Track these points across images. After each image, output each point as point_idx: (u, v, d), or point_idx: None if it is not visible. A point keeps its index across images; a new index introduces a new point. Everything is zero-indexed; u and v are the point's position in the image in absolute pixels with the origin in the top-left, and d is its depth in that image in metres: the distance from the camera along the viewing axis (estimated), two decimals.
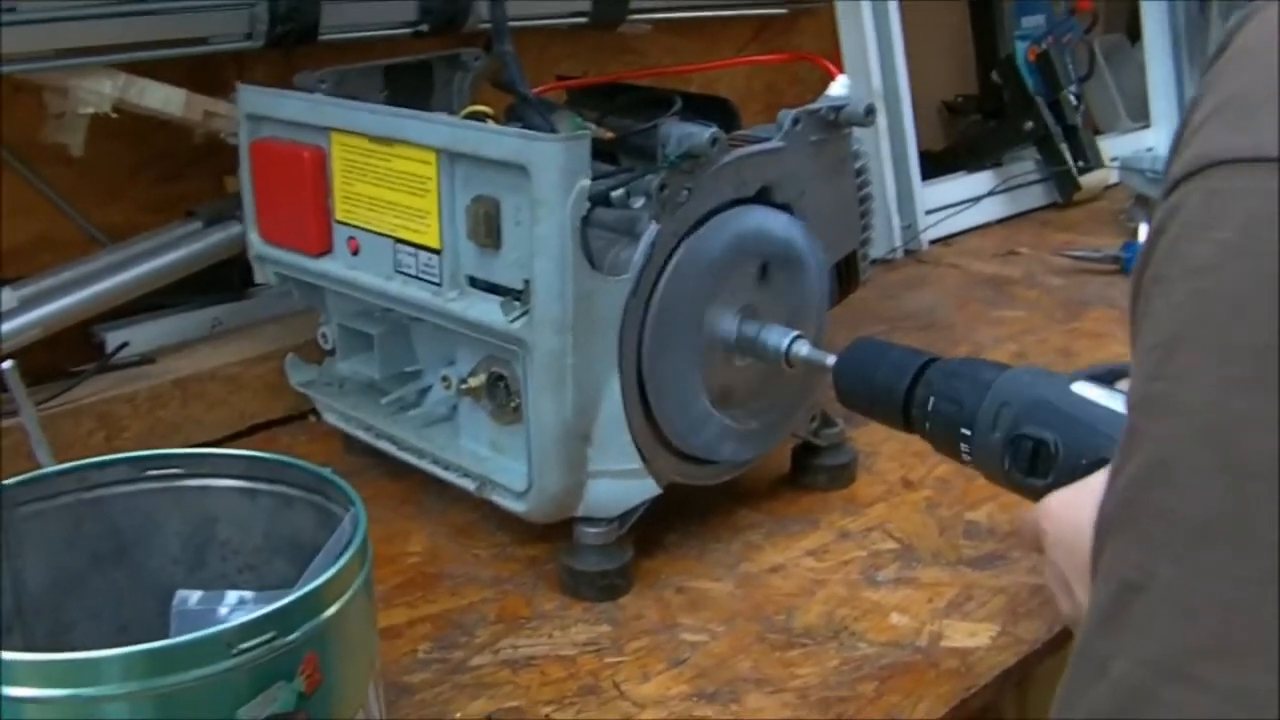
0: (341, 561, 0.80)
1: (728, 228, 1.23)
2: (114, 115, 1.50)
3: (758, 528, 1.36)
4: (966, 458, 1.07)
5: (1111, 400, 1.00)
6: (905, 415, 1.13)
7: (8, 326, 1.45)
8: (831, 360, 1.22)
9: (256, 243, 1.44)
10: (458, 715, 1.08)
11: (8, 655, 0.73)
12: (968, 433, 1.06)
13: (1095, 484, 0.91)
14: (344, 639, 0.81)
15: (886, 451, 1.50)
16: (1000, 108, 2.50)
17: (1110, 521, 0.60)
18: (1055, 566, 0.93)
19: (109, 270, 1.55)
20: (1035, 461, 1.00)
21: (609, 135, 1.36)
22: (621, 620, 1.21)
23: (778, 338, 1.26)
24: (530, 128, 1.28)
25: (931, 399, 1.10)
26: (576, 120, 1.40)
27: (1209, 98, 0.61)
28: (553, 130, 1.28)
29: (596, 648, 1.17)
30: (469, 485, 1.29)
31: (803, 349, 1.25)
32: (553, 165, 1.13)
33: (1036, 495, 0.98)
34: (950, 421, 1.08)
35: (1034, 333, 1.89)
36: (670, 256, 1.20)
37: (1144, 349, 0.60)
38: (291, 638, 0.76)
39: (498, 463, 1.27)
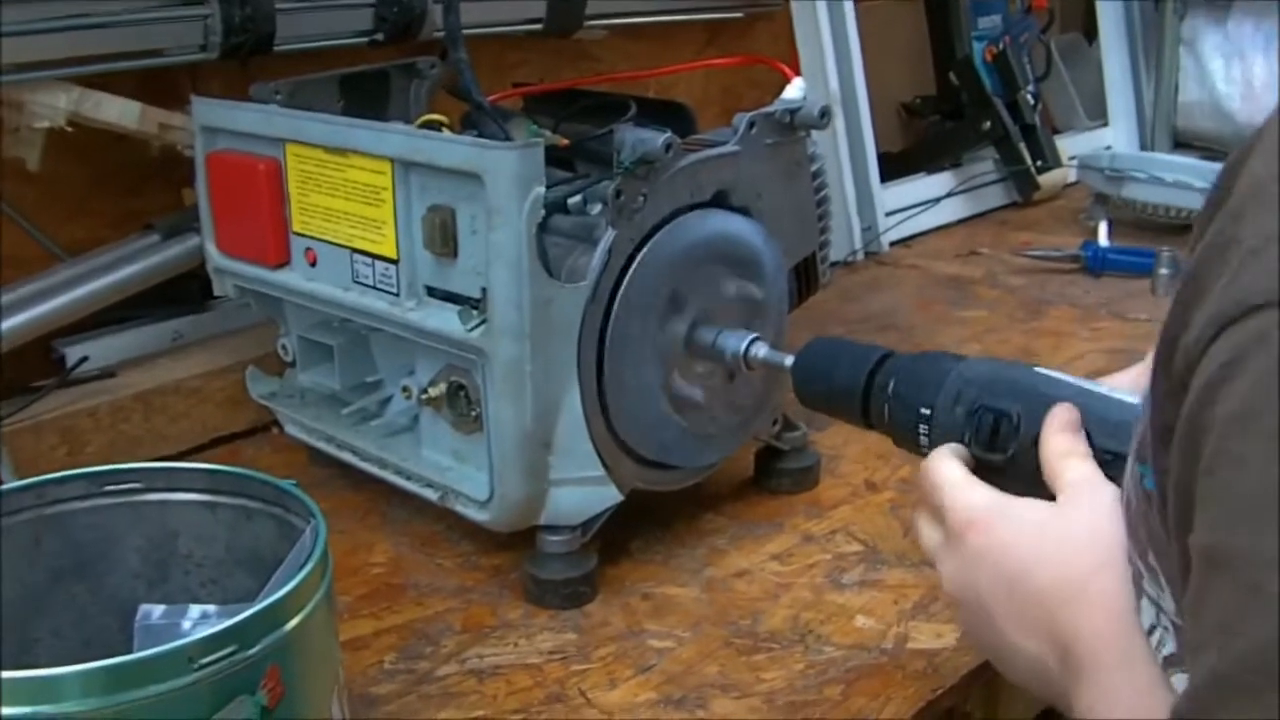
0: (302, 574, 0.80)
1: (685, 232, 1.23)
2: (69, 129, 1.49)
3: (722, 532, 1.36)
4: (924, 440, 1.05)
5: (1078, 381, 0.99)
6: (864, 405, 1.11)
7: None
8: (789, 360, 1.21)
9: (215, 255, 1.43)
10: None
11: None
12: (927, 412, 1.04)
13: (1037, 514, 0.89)
14: (306, 651, 0.81)
15: (850, 454, 1.50)
16: (958, 108, 2.51)
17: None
18: (970, 580, 0.91)
19: (68, 284, 1.54)
20: (995, 435, 0.98)
21: (564, 142, 1.36)
22: (587, 628, 1.20)
23: (735, 341, 1.26)
24: (485, 136, 1.28)
25: (892, 383, 1.08)
26: (532, 127, 1.40)
27: (1248, 232, 0.57)
28: (508, 138, 1.28)
29: (563, 656, 1.16)
30: (431, 495, 1.28)
31: (760, 350, 1.25)
32: (507, 173, 1.13)
33: (993, 472, 0.97)
34: (910, 403, 1.06)
35: (996, 332, 1.90)
36: (628, 262, 1.20)
37: (1232, 498, 0.56)
38: (253, 651, 0.76)
39: (460, 472, 1.26)
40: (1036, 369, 1.02)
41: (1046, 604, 0.84)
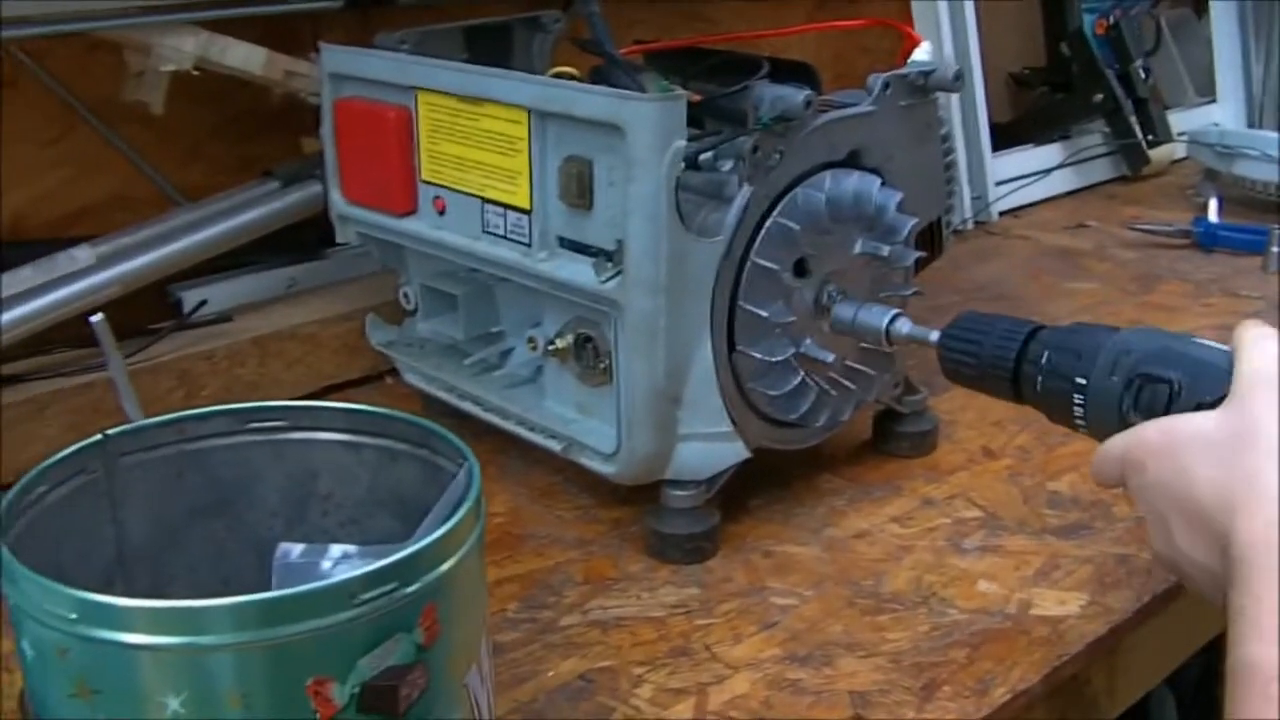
0: (460, 513, 0.80)
1: (820, 191, 1.22)
2: (195, 73, 1.49)
3: (841, 493, 1.35)
4: (1079, 412, 1.03)
5: None
6: (1015, 378, 1.09)
7: (86, 283, 1.45)
8: (935, 336, 1.18)
9: (339, 202, 1.44)
10: (550, 674, 1.08)
11: (123, 601, 0.73)
12: (1083, 382, 1.03)
13: (1198, 425, 0.91)
14: (460, 592, 0.81)
15: (965, 420, 1.49)
16: (1068, 80, 2.48)
17: None
18: (1151, 505, 0.94)
19: (186, 229, 1.54)
20: (1154, 403, 0.98)
21: (696, 98, 1.35)
22: (709, 583, 1.20)
23: (877, 317, 1.24)
24: (619, 89, 1.27)
25: (1046, 353, 1.06)
26: (663, 83, 1.39)
27: None
28: (642, 91, 1.27)
29: (686, 610, 1.16)
30: (554, 446, 1.28)
31: (904, 327, 1.24)
32: (648, 125, 1.12)
33: None
34: (1065, 373, 1.04)
35: (1107, 305, 1.88)
36: (763, 219, 1.19)
37: None
38: (412, 589, 0.76)
39: (585, 425, 1.26)
40: (1194, 339, 1.00)
41: (1208, 510, 0.87)
